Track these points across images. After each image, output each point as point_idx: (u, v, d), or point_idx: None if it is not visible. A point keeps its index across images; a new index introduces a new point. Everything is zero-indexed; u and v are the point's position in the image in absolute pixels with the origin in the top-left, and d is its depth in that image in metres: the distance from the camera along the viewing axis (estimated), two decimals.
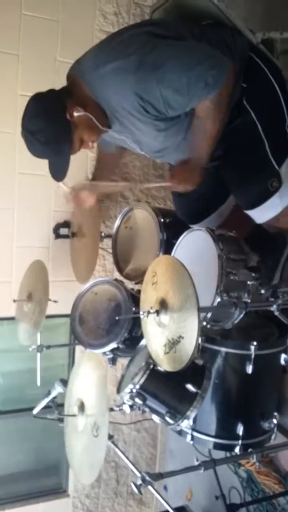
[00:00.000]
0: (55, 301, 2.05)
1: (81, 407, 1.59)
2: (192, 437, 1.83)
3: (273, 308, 1.65)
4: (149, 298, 1.46)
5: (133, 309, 1.88)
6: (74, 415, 1.57)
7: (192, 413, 1.58)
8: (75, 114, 1.56)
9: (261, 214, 1.75)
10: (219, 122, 1.57)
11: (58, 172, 1.66)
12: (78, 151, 1.67)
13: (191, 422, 1.70)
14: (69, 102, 1.57)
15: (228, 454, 1.90)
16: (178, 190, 1.76)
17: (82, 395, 1.61)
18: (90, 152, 2.62)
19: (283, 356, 1.80)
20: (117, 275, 2.27)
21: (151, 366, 1.58)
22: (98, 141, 1.93)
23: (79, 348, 2.80)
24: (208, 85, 1.44)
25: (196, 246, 1.76)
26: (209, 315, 1.62)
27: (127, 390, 1.60)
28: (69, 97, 1.58)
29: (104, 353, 1.94)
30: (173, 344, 1.36)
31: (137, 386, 1.59)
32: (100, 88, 1.53)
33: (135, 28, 1.60)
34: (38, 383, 2.01)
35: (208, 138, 1.60)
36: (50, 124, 1.56)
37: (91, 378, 1.61)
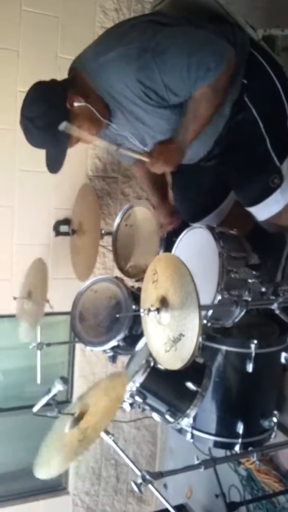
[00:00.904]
0: (51, 306, 2.04)
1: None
2: (192, 436, 1.82)
3: (274, 306, 1.64)
4: (149, 296, 1.46)
5: (133, 307, 1.87)
6: (73, 414, 1.56)
7: (192, 412, 1.58)
8: (76, 104, 1.53)
9: (263, 211, 1.74)
10: (213, 108, 1.54)
11: (55, 163, 1.62)
12: (76, 143, 1.63)
13: (191, 420, 1.70)
14: (70, 92, 1.54)
15: (228, 453, 1.89)
16: (155, 171, 1.68)
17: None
18: (90, 149, 2.62)
19: (283, 354, 1.80)
20: (117, 272, 2.27)
21: (151, 364, 1.58)
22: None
23: (79, 346, 2.80)
24: (209, 69, 1.43)
25: (197, 244, 1.75)
26: (209, 313, 1.62)
27: (127, 388, 1.59)
28: (71, 88, 1.55)
29: (105, 351, 1.94)
30: (174, 342, 1.35)
31: (137, 384, 1.58)
32: (101, 77, 1.52)
33: (136, 18, 1.59)
34: (38, 381, 2.01)
35: (198, 122, 1.56)
36: (49, 110, 1.53)
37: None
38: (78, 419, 1.54)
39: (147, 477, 1.38)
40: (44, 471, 1.54)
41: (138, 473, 1.41)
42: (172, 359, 1.38)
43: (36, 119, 1.52)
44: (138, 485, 1.38)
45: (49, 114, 1.53)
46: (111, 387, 1.61)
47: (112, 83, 1.51)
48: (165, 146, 1.62)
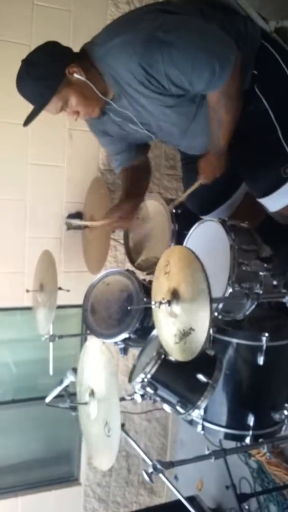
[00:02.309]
0: (67, 290, 2.06)
1: (92, 394, 1.60)
2: (203, 427, 1.83)
3: (285, 299, 1.65)
4: (161, 286, 1.47)
5: (145, 299, 1.88)
6: (85, 403, 1.58)
7: (203, 403, 1.58)
8: (76, 75, 1.53)
9: (275, 202, 1.74)
10: (233, 110, 1.55)
11: (28, 117, 1.60)
12: (57, 112, 1.61)
13: (202, 412, 1.70)
14: (76, 62, 1.55)
15: (238, 445, 1.90)
16: (207, 182, 1.79)
17: (92, 383, 1.62)
18: None
19: None
20: (128, 265, 2.28)
21: (162, 356, 1.59)
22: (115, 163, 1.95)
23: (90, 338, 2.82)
24: (214, 74, 1.42)
25: (208, 236, 1.75)
26: (220, 305, 1.62)
27: (138, 379, 1.60)
28: (79, 61, 1.56)
29: (116, 343, 1.95)
30: (183, 335, 1.36)
31: (148, 376, 1.59)
32: (108, 62, 1.52)
33: (148, 7, 1.59)
34: (51, 372, 2.04)
35: (223, 127, 1.59)
36: (47, 64, 1.54)
37: (99, 366, 1.62)
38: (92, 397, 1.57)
39: (158, 466, 1.39)
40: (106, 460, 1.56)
41: (149, 462, 1.42)
42: (180, 351, 1.39)
43: (32, 66, 1.53)
44: (149, 475, 1.40)
45: (45, 67, 1.54)
46: (99, 357, 1.63)
47: (116, 68, 1.51)
48: (205, 161, 1.74)
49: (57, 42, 1.60)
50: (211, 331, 1.30)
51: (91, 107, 1.63)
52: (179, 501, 1.57)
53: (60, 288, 2.07)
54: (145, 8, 1.58)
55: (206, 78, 1.44)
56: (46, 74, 1.53)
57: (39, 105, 1.56)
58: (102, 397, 1.57)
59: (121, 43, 1.47)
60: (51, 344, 2.05)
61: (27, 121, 1.60)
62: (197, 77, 1.44)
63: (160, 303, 1.42)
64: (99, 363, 1.60)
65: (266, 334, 1.71)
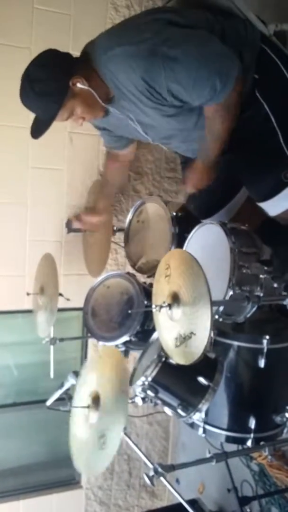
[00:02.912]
0: (67, 299, 2.07)
1: (96, 400, 1.59)
2: (204, 430, 1.83)
3: (286, 302, 1.65)
4: (162, 289, 1.47)
5: (145, 302, 1.88)
6: (87, 407, 1.57)
7: (204, 406, 1.58)
8: (79, 85, 1.55)
9: (275, 206, 1.74)
10: (228, 123, 1.56)
11: (38, 130, 1.63)
12: (63, 120, 1.64)
13: (203, 415, 1.70)
14: (78, 71, 1.56)
15: (240, 448, 1.90)
16: (190, 191, 1.81)
17: (100, 389, 1.61)
18: (102, 145, 2.63)
19: None
20: (129, 268, 2.28)
21: (163, 359, 1.59)
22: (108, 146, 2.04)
23: (91, 341, 2.82)
24: (215, 90, 1.43)
25: (208, 239, 1.75)
26: (221, 308, 1.62)
27: (139, 382, 1.61)
28: (80, 68, 1.57)
29: (117, 346, 1.95)
30: (184, 339, 1.37)
31: (149, 379, 1.60)
32: (109, 69, 1.53)
33: (151, 14, 1.58)
34: (52, 376, 2.04)
35: (217, 139, 1.61)
36: (51, 79, 1.55)
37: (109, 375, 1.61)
38: (95, 404, 1.56)
39: (159, 469, 1.39)
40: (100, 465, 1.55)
41: (150, 465, 1.42)
42: (181, 355, 1.39)
43: (35, 82, 1.54)
44: (150, 478, 1.39)
45: (49, 82, 1.55)
46: (105, 360, 1.63)
47: (118, 76, 1.52)
48: (193, 170, 1.74)
49: (56, 51, 1.61)
50: (212, 334, 1.30)
51: (96, 112, 1.66)
52: (180, 504, 1.57)
53: (60, 295, 2.07)
54: (150, 15, 1.58)
55: (207, 94, 1.45)
56: (50, 89, 1.54)
57: (47, 120, 1.58)
58: (107, 409, 1.55)
59: (124, 53, 1.47)
60: (51, 347, 2.05)
61: (37, 135, 1.63)
62: (198, 92, 1.46)
63: (161, 306, 1.42)
64: (115, 376, 1.58)
65: (267, 337, 1.71)
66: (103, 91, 1.59)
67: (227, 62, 1.45)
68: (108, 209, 2.24)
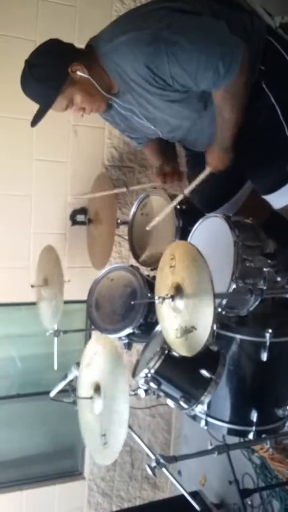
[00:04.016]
0: (68, 280, 2.07)
1: (97, 389, 1.60)
2: (206, 423, 1.84)
3: None
4: (165, 279, 1.47)
5: (149, 295, 1.89)
6: (90, 398, 1.58)
7: (206, 398, 1.59)
8: (79, 73, 1.54)
9: (280, 199, 1.73)
10: (238, 109, 1.55)
11: (35, 117, 1.61)
12: (63, 110, 1.62)
13: (205, 407, 1.71)
14: (79, 60, 1.55)
15: (242, 440, 1.91)
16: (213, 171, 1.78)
17: (98, 378, 1.63)
18: (106, 138, 2.63)
19: None
20: (133, 261, 2.28)
21: (166, 351, 1.60)
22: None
23: (95, 334, 2.83)
24: (219, 74, 1.42)
25: (212, 232, 1.75)
26: (224, 301, 1.63)
27: (142, 374, 1.61)
28: (81, 57, 1.56)
29: (120, 338, 1.96)
30: (185, 331, 1.37)
31: (152, 371, 1.60)
32: (112, 59, 1.52)
33: (155, 3, 1.57)
34: (55, 367, 2.05)
35: (229, 125, 1.59)
36: (50, 65, 1.54)
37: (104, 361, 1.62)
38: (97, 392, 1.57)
39: (161, 460, 1.40)
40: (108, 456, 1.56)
41: (153, 457, 1.43)
42: (181, 346, 1.40)
43: (35, 67, 1.54)
44: (152, 469, 1.40)
45: (48, 68, 1.54)
46: (100, 346, 1.64)
47: (121, 65, 1.51)
48: (211, 153, 1.72)
49: (59, 40, 1.60)
50: (214, 327, 1.31)
51: (97, 103, 1.64)
52: (182, 496, 1.58)
53: (66, 281, 2.07)
54: (153, 4, 1.57)
55: (210, 78, 1.44)
56: (49, 74, 1.53)
57: (44, 106, 1.58)
58: (107, 408, 1.55)
59: (127, 41, 1.46)
60: (55, 339, 2.06)
61: (34, 122, 1.61)
62: (201, 76, 1.44)
63: (164, 298, 1.42)
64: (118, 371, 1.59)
65: (270, 330, 1.71)
66: (105, 83, 1.58)
67: (231, 47, 1.44)
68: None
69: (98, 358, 1.62)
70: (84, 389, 1.65)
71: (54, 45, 1.59)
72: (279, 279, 1.69)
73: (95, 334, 2.77)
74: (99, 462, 1.61)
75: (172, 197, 2.07)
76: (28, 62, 1.55)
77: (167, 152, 2.03)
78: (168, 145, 2.02)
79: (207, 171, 1.77)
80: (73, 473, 3.17)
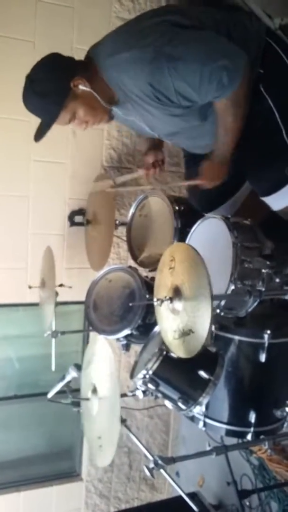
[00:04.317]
0: (69, 287, 2.06)
1: (94, 391, 1.61)
2: (205, 424, 1.84)
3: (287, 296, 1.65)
4: (165, 280, 1.47)
5: (147, 296, 1.89)
6: (87, 399, 1.58)
7: (204, 399, 1.59)
8: (81, 87, 1.54)
9: (278, 201, 1.74)
10: (239, 118, 1.56)
11: (39, 132, 1.61)
12: (66, 124, 1.62)
13: (203, 408, 1.71)
14: (80, 73, 1.55)
15: (240, 441, 1.91)
16: (207, 187, 1.79)
17: (95, 380, 1.63)
18: (105, 139, 2.63)
19: None
20: (131, 262, 2.28)
21: (164, 352, 1.59)
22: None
23: (92, 335, 2.83)
24: (223, 85, 1.43)
25: (211, 234, 1.76)
26: (223, 302, 1.63)
27: (140, 375, 1.61)
28: (82, 71, 1.56)
29: (118, 339, 1.96)
30: (183, 334, 1.37)
31: (150, 372, 1.60)
32: (113, 74, 1.53)
33: (155, 16, 1.57)
34: (53, 368, 2.04)
35: (230, 134, 1.61)
36: (52, 80, 1.54)
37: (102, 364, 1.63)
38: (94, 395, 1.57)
39: (159, 461, 1.40)
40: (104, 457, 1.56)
41: (151, 458, 1.43)
42: (178, 347, 1.40)
43: (37, 83, 1.54)
44: (150, 470, 1.40)
45: (50, 83, 1.54)
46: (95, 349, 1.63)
47: (123, 81, 1.52)
48: (207, 167, 1.72)
49: (59, 54, 1.60)
50: (213, 328, 1.31)
51: (99, 116, 1.65)
52: (180, 497, 1.58)
53: (61, 285, 2.07)
54: (155, 17, 1.57)
55: (214, 90, 1.45)
56: (51, 90, 1.53)
57: (48, 121, 1.57)
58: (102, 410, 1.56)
59: (129, 58, 1.47)
60: (53, 340, 2.06)
61: (38, 137, 1.61)
62: (205, 89, 1.45)
63: (162, 301, 1.42)
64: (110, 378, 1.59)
65: (268, 332, 1.71)
66: (107, 95, 1.58)
67: (233, 57, 1.44)
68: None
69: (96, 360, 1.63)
70: (85, 390, 1.66)
71: (54, 60, 1.59)
72: (277, 280, 1.69)
73: (93, 335, 2.77)
74: (97, 465, 1.62)
75: (171, 198, 2.07)
76: (30, 77, 1.55)
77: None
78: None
79: (197, 182, 1.79)
80: (70, 474, 3.16)
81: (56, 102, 1.54)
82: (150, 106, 1.56)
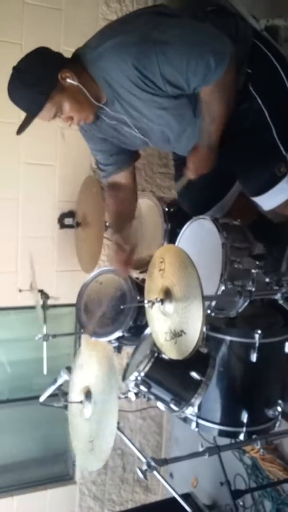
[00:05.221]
0: (56, 298, 2.06)
1: (88, 394, 1.60)
2: (197, 424, 1.84)
3: (278, 296, 1.66)
4: (155, 282, 1.47)
5: (138, 298, 1.89)
6: (80, 402, 1.58)
7: (196, 400, 1.59)
8: (68, 80, 1.52)
9: (269, 200, 1.74)
10: (226, 105, 1.55)
11: (22, 124, 1.59)
12: (51, 118, 1.59)
13: (195, 409, 1.71)
14: (68, 67, 1.53)
15: (232, 441, 1.91)
16: (192, 177, 1.75)
17: (89, 382, 1.62)
18: None
19: (287, 344, 1.81)
20: None
21: (156, 354, 1.60)
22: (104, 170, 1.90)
23: (84, 337, 2.82)
24: (209, 70, 1.42)
25: (201, 235, 1.76)
26: (213, 303, 1.63)
27: (132, 377, 1.61)
28: (70, 66, 1.55)
29: (110, 342, 1.95)
30: (174, 335, 1.37)
31: (142, 374, 1.60)
32: (99, 66, 1.51)
33: (141, 10, 1.59)
34: (45, 372, 2.03)
35: (216, 122, 1.59)
36: (40, 71, 1.53)
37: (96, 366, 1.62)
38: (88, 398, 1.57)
39: (152, 463, 1.40)
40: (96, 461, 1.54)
41: (144, 459, 1.43)
42: (170, 349, 1.40)
43: (24, 73, 1.52)
44: (143, 472, 1.40)
45: (38, 74, 1.52)
46: (92, 354, 1.64)
47: (109, 71, 1.50)
48: (194, 155, 1.69)
49: (48, 48, 1.59)
50: (204, 329, 1.31)
51: (85, 113, 1.62)
52: (174, 498, 1.58)
53: (40, 291, 2.06)
54: (139, 11, 1.58)
55: (201, 74, 1.43)
56: (38, 80, 1.51)
57: (32, 112, 1.55)
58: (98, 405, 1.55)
59: (113, 45, 1.46)
60: (44, 343, 2.05)
61: (21, 130, 1.59)
62: (192, 73, 1.43)
63: (153, 302, 1.42)
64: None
65: (259, 331, 1.72)
66: (94, 91, 1.57)
67: (219, 41, 1.44)
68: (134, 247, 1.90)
69: (92, 363, 1.62)
70: (75, 393, 1.65)
71: (43, 52, 1.58)
72: (267, 280, 1.70)
73: (84, 337, 2.77)
74: (82, 466, 1.60)
75: (160, 199, 2.08)
76: (16, 68, 1.54)
77: (124, 208, 1.95)
78: (126, 198, 1.96)
79: (185, 179, 1.77)
80: (64, 477, 3.14)
81: (42, 92, 1.51)
82: (137, 99, 1.53)
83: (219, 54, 1.42)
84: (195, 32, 1.46)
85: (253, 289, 1.64)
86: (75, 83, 1.53)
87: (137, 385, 1.63)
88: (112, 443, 1.42)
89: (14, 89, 1.54)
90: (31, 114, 1.56)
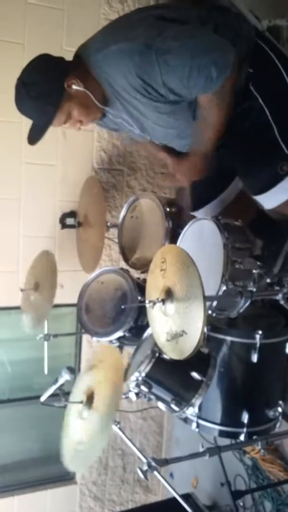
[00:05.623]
0: (61, 286, 2.05)
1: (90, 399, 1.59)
2: (198, 425, 1.84)
3: (279, 297, 1.66)
4: (156, 282, 1.47)
5: (139, 298, 1.89)
6: (80, 402, 1.58)
7: (197, 401, 1.59)
8: (74, 87, 1.54)
9: (271, 199, 1.74)
10: (224, 112, 1.55)
11: (35, 135, 1.61)
12: (61, 125, 1.62)
13: (196, 409, 1.71)
14: (72, 73, 1.55)
15: (233, 442, 1.91)
16: (182, 184, 1.76)
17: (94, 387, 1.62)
18: (96, 141, 2.63)
19: None
20: (123, 264, 2.28)
21: (157, 354, 1.60)
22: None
23: (85, 337, 2.83)
24: (211, 79, 1.43)
25: (202, 235, 1.76)
26: (214, 303, 1.63)
27: (133, 378, 1.61)
28: (73, 70, 1.56)
29: (110, 342, 1.95)
30: (175, 335, 1.37)
31: (143, 374, 1.60)
32: (103, 68, 1.52)
33: (143, 11, 1.58)
34: (46, 372, 2.04)
35: (213, 129, 1.59)
36: (46, 82, 1.54)
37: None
38: (89, 403, 1.57)
39: (153, 463, 1.40)
40: (81, 463, 1.54)
41: (144, 460, 1.43)
42: (171, 349, 1.40)
43: (31, 86, 1.53)
44: (144, 472, 1.40)
45: (44, 85, 1.54)
46: (105, 360, 1.65)
47: (112, 75, 1.51)
48: (186, 162, 1.68)
49: (49, 55, 1.60)
50: (205, 330, 1.31)
51: (93, 114, 1.65)
52: (174, 499, 1.58)
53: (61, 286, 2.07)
54: (143, 12, 1.58)
55: (203, 83, 1.44)
56: (46, 92, 1.53)
57: (44, 123, 1.57)
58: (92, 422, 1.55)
59: (117, 51, 1.47)
60: (45, 343, 2.05)
61: (35, 140, 1.61)
62: (194, 82, 1.45)
63: (154, 302, 1.42)
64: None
65: (260, 332, 1.72)
66: (99, 92, 1.58)
67: (221, 50, 1.44)
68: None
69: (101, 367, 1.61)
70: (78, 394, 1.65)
71: (45, 61, 1.59)
72: (268, 280, 1.70)
73: (86, 337, 2.77)
74: (66, 463, 1.61)
75: (162, 199, 2.08)
76: (22, 81, 1.55)
77: None
78: None
79: (176, 181, 1.76)
80: (64, 477, 3.14)
81: (51, 103, 1.54)
82: (138, 102, 1.55)
83: (221, 64, 1.42)
84: (198, 40, 1.46)
85: (254, 290, 1.64)
86: (81, 89, 1.55)
87: (138, 385, 1.62)
88: (95, 458, 1.42)
89: (23, 102, 1.56)
90: (43, 126, 1.57)
